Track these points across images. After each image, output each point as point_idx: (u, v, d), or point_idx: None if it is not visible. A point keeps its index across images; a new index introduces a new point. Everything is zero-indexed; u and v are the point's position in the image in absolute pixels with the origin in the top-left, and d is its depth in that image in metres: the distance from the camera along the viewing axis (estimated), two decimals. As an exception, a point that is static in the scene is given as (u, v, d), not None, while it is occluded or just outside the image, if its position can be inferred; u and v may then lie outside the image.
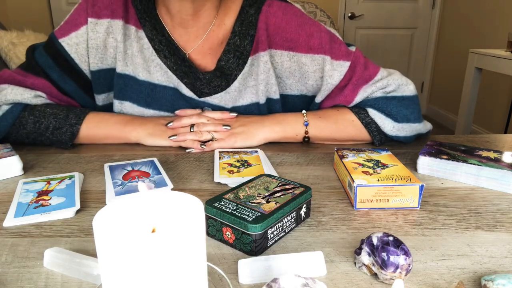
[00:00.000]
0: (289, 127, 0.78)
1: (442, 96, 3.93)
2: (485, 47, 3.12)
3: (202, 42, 0.78)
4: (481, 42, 3.26)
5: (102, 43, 0.78)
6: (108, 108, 0.84)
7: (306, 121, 0.77)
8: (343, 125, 0.78)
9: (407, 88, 0.78)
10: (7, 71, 0.79)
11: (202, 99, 0.81)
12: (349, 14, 3.85)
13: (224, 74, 0.78)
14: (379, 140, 0.78)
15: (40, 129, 0.74)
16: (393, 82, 0.76)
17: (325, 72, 0.76)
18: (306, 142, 0.79)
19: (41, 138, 0.75)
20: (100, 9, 0.76)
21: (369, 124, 0.77)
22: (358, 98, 0.77)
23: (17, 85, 0.77)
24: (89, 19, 0.76)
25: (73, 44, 0.77)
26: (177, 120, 0.76)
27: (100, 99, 0.83)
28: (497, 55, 2.39)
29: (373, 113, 0.76)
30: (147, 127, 0.77)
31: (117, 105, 0.82)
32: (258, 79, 0.78)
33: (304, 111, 0.79)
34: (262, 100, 0.80)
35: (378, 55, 3.95)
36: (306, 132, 0.78)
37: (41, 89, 0.78)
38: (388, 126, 0.76)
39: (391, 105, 0.75)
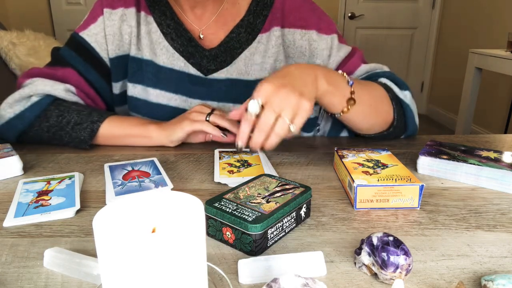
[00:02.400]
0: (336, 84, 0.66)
1: (442, 96, 3.93)
2: (485, 47, 3.12)
3: (216, 18, 0.82)
4: (481, 42, 3.26)
5: (117, 30, 0.82)
6: (125, 96, 0.86)
7: (350, 81, 0.68)
8: (375, 90, 0.74)
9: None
10: (36, 68, 0.81)
11: (209, 76, 0.83)
12: (349, 14, 3.85)
13: (229, 49, 0.82)
14: (398, 112, 0.76)
15: (61, 123, 0.75)
16: (384, 68, 0.85)
17: (333, 49, 0.82)
18: (352, 104, 0.67)
19: (61, 132, 0.76)
20: (114, 1, 0.81)
21: (389, 91, 0.77)
22: (362, 68, 0.82)
23: (48, 78, 0.79)
24: (105, 9, 0.81)
25: (92, 34, 0.82)
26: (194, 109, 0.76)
27: (118, 86, 0.86)
28: (497, 55, 2.38)
29: (384, 80, 0.80)
30: (167, 127, 0.76)
31: (131, 88, 0.84)
32: (267, 55, 0.82)
33: (340, 71, 0.70)
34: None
35: (378, 55, 3.95)
36: (352, 93, 0.67)
37: (71, 79, 0.80)
38: (398, 91, 0.78)
39: (392, 75, 0.81)
